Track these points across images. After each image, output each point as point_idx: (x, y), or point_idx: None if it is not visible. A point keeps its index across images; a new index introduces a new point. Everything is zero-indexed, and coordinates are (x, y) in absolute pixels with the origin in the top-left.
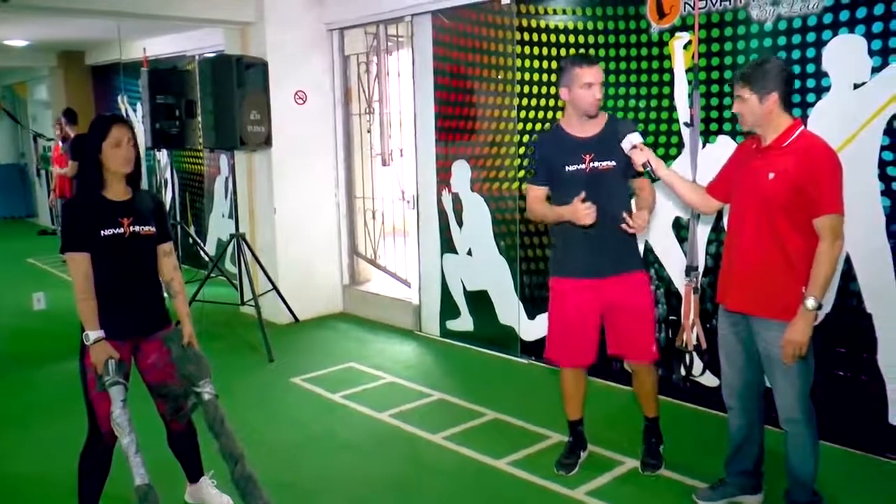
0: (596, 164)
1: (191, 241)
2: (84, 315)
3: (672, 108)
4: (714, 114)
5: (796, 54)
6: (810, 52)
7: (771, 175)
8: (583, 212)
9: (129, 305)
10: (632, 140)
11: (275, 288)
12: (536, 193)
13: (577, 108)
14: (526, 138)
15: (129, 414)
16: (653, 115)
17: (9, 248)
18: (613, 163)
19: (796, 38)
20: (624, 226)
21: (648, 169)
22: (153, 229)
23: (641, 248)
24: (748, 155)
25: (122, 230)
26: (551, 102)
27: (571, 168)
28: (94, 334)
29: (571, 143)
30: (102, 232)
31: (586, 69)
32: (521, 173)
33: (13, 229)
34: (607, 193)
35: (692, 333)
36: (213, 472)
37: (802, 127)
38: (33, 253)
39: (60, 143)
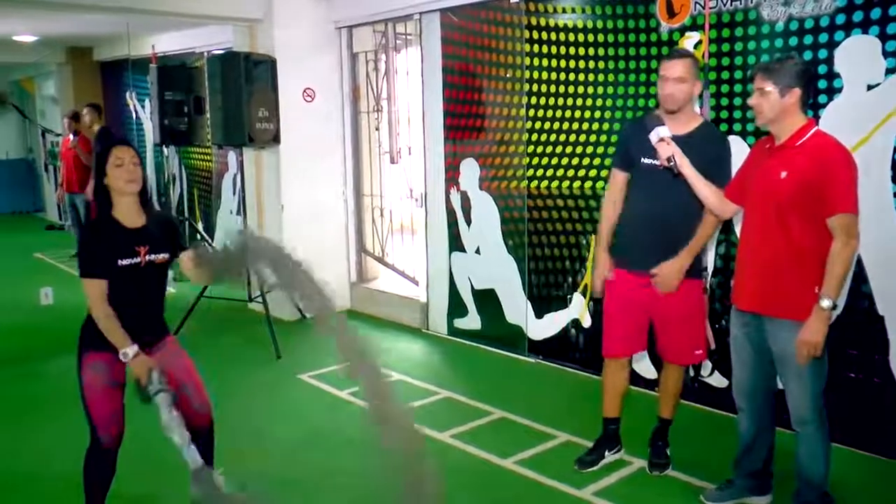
0: (674, 162)
1: (199, 237)
2: (113, 335)
3: None
4: (724, 114)
5: (808, 55)
6: (822, 53)
7: (783, 174)
8: (599, 283)
9: (135, 324)
10: (659, 133)
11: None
12: (614, 177)
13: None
14: (535, 137)
15: (178, 418)
16: None
17: (16, 243)
18: (654, 159)
19: (808, 39)
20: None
21: (672, 164)
22: (167, 256)
23: None
24: (761, 155)
25: (138, 259)
26: (560, 101)
27: (647, 161)
28: (130, 350)
29: (657, 126)
30: (119, 262)
31: (665, 62)
32: (530, 172)
33: (21, 224)
34: (676, 194)
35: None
36: (222, 469)
37: (816, 127)
38: (41, 248)
39: (71, 136)
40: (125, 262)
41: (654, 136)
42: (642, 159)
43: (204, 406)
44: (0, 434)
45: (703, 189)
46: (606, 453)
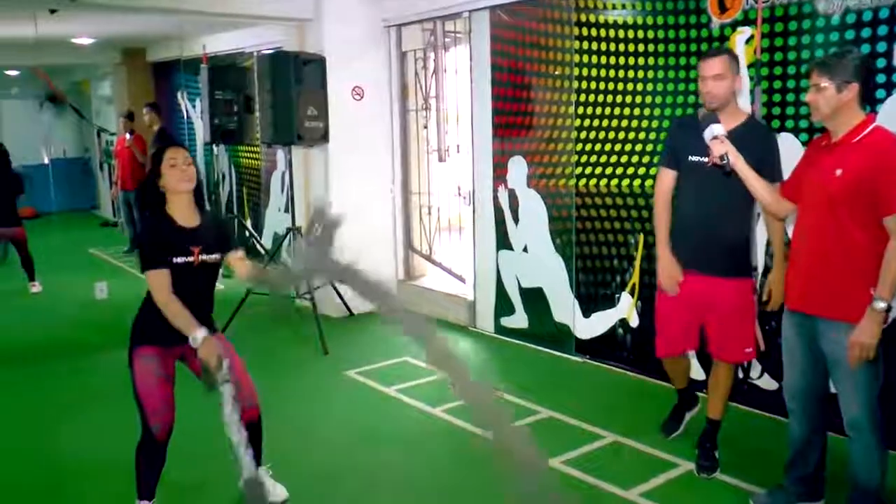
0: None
1: (247, 234)
2: (181, 321)
3: None
4: (776, 110)
5: (866, 48)
6: (881, 47)
7: (839, 172)
8: (666, 277)
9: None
10: (713, 131)
11: (330, 282)
12: (661, 176)
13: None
14: (583, 134)
15: (239, 413)
16: None
17: (73, 239)
18: (707, 158)
19: (866, 32)
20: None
21: (725, 161)
22: (219, 256)
23: None
24: (817, 153)
25: (192, 259)
26: (609, 98)
27: (694, 159)
28: (200, 333)
29: (712, 123)
30: (175, 259)
31: (702, 61)
32: (578, 170)
33: (77, 221)
34: (723, 192)
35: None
36: (270, 464)
37: (875, 123)
38: (96, 244)
39: (127, 135)
40: (179, 259)
41: (707, 134)
42: (689, 157)
43: (252, 401)
44: (55, 425)
45: (758, 187)
46: (686, 414)
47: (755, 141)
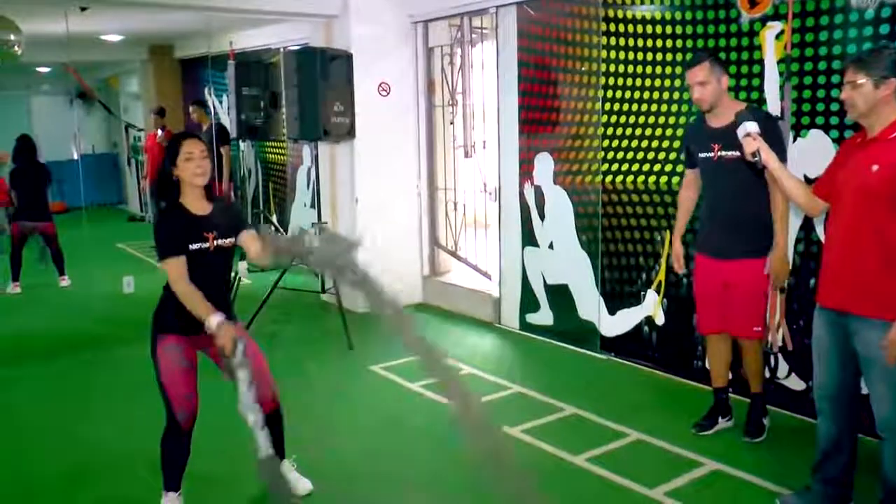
0: (722, 153)
1: (273, 229)
2: (196, 307)
3: (762, 101)
4: (806, 107)
5: None
6: None
7: (875, 167)
8: (675, 259)
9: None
10: (746, 128)
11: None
12: (686, 174)
13: None
14: (610, 131)
15: (255, 395)
16: None
17: (100, 234)
18: (738, 153)
19: None
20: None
21: (757, 158)
22: (233, 241)
23: None
24: (852, 149)
25: (207, 245)
26: (636, 95)
27: (703, 155)
28: (215, 319)
29: (706, 132)
30: (191, 246)
31: (687, 71)
32: (605, 166)
33: (105, 216)
34: (736, 182)
35: (777, 334)
36: (295, 456)
37: None
38: (123, 238)
39: (159, 132)
40: (195, 246)
41: (741, 131)
42: (699, 154)
43: (270, 391)
44: (84, 417)
45: (790, 186)
46: (720, 419)
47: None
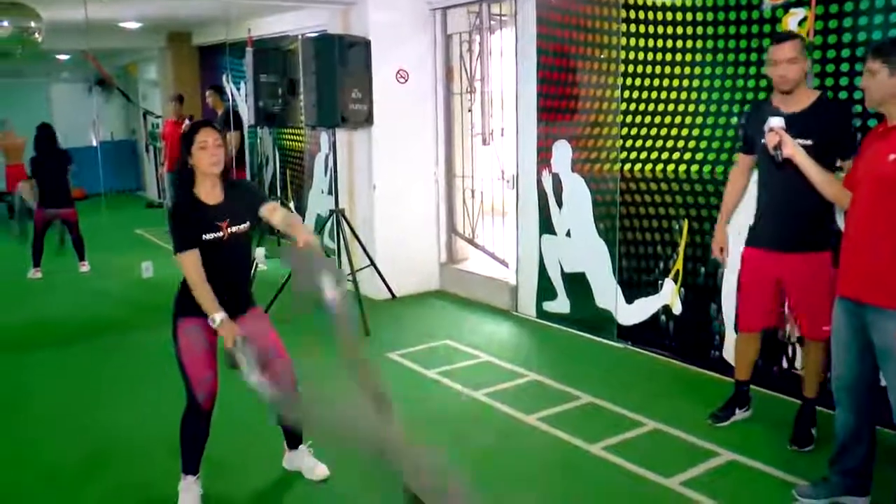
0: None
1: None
2: (205, 302)
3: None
4: (829, 95)
5: None
6: None
7: (892, 157)
8: (714, 246)
9: (223, 292)
10: (770, 123)
11: (372, 264)
12: (739, 160)
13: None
14: (629, 118)
15: (260, 377)
16: (762, 95)
17: (119, 220)
18: (810, 141)
19: None
20: None
21: (776, 153)
22: (248, 224)
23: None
24: (873, 139)
25: (221, 234)
26: (656, 82)
27: (764, 141)
28: (219, 316)
29: (771, 116)
30: (204, 236)
31: (773, 46)
32: (623, 154)
33: (123, 202)
34: (795, 171)
35: (795, 324)
36: (311, 441)
37: None
38: (142, 224)
39: (187, 120)
40: (209, 236)
41: (766, 126)
42: (762, 141)
43: (286, 370)
44: (104, 401)
45: (818, 180)
46: (737, 410)
47: (828, 120)
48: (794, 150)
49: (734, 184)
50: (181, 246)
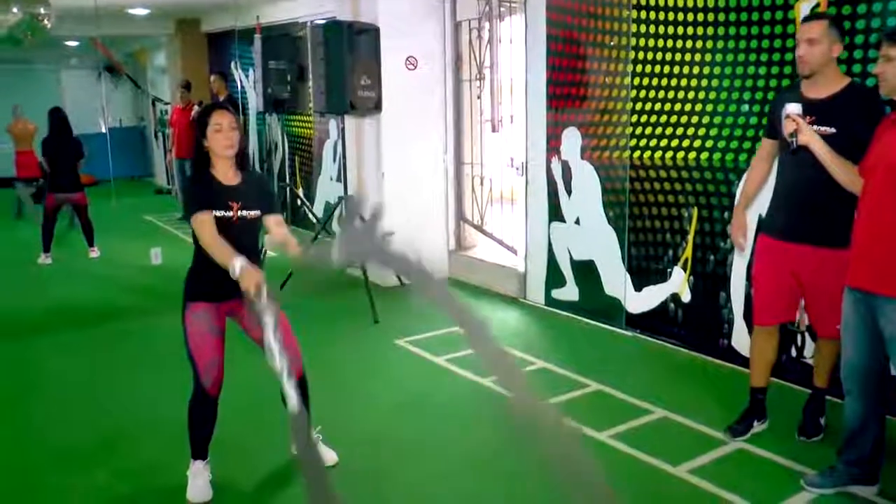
0: (815, 128)
1: (299, 202)
2: (221, 255)
3: (795, 77)
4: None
5: None
6: None
7: None
8: (733, 232)
9: (229, 278)
10: (787, 109)
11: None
12: (761, 144)
13: None
14: (639, 106)
15: (281, 342)
16: (773, 82)
17: (128, 206)
18: (833, 129)
19: None
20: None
21: (792, 140)
22: (258, 213)
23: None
24: (887, 127)
25: (231, 213)
26: (666, 69)
27: (781, 127)
28: (238, 262)
29: (800, 102)
30: (215, 213)
31: (801, 24)
32: (633, 142)
33: (132, 188)
34: (815, 160)
35: (805, 314)
36: (321, 427)
37: None
38: (150, 210)
39: (196, 106)
40: (219, 213)
41: (783, 112)
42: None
43: (295, 357)
44: (112, 386)
45: (835, 170)
46: (755, 423)
47: (857, 108)
48: (810, 137)
49: (755, 169)
50: (196, 207)
